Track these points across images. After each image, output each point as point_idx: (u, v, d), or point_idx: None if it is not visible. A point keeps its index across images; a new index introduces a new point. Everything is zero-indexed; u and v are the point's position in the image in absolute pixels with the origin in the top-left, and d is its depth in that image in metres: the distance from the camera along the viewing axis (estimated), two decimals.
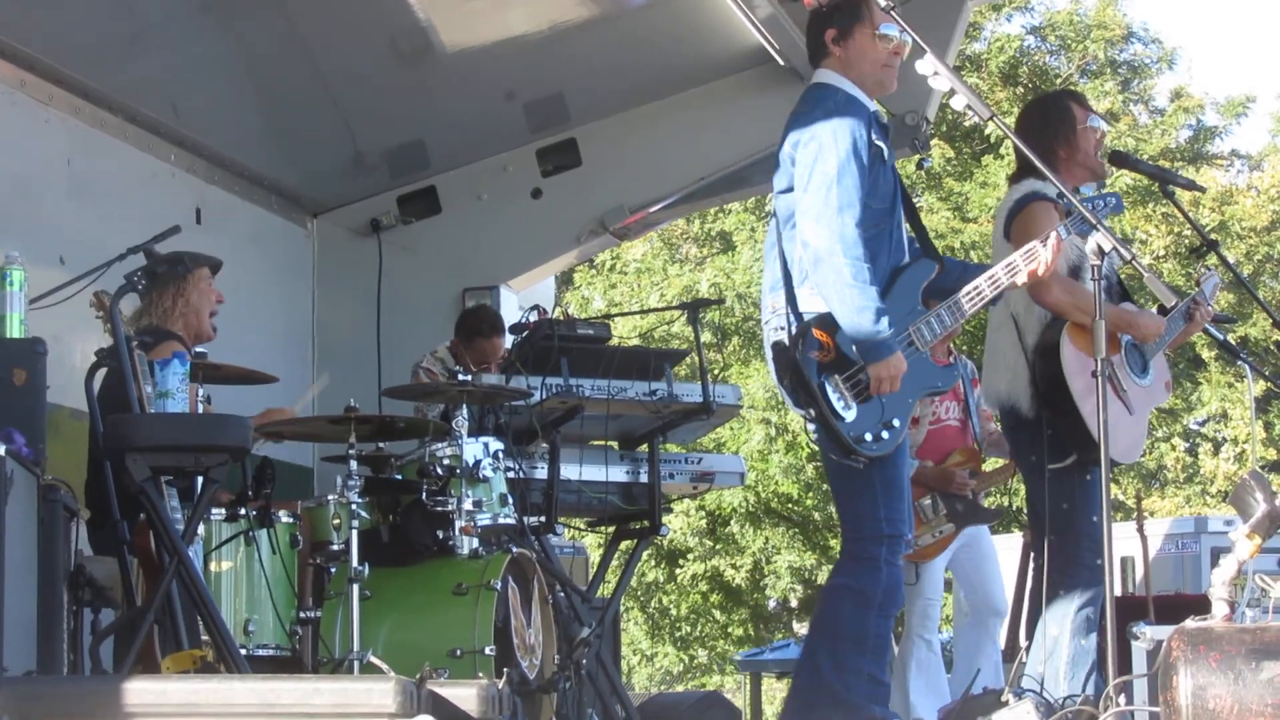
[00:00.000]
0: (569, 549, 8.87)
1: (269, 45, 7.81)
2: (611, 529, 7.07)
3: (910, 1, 5.30)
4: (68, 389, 5.70)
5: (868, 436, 5.11)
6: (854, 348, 5.09)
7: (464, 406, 5.95)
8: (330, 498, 5.72)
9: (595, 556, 9.56)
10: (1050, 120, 5.95)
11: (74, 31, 6.96)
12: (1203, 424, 21.72)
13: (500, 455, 6.02)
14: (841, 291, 5.07)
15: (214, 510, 5.39)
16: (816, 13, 5.36)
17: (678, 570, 21.02)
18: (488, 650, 5.47)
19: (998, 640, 7.78)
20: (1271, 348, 18.23)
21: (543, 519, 6.44)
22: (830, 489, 5.55)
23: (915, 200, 6.43)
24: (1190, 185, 7.01)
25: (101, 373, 5.38)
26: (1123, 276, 6.18)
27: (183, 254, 5.84)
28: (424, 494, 5.80)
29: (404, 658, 5.17)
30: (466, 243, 9.02)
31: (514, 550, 5.77)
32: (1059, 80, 21.02)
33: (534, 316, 6.91)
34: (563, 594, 6.36)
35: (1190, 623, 4.19)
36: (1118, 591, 7.51)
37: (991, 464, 8.19)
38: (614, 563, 7.47)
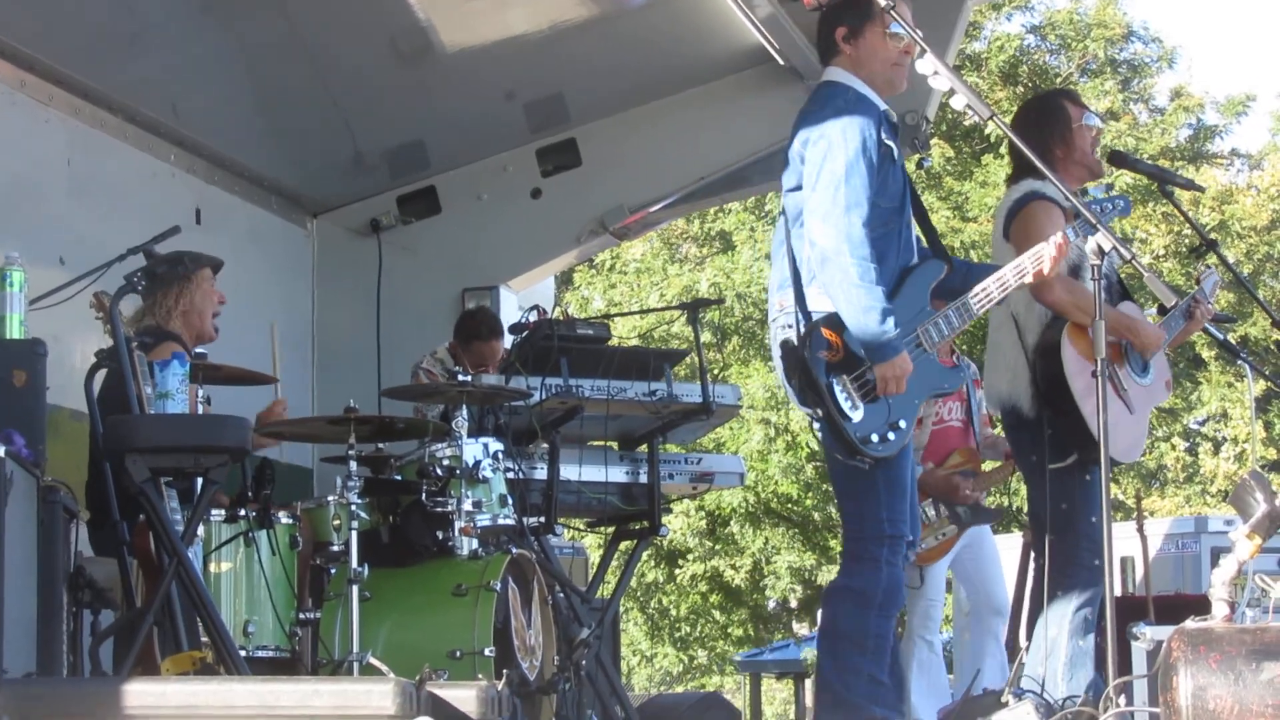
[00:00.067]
0: (568, 549, 8.86)
1: (269, 45, 7.81)
2: (611, 529, 7.06)
3: (911, 1, 5.29)
4: (67, 390, 5.69)
5: (874, 437, 5.10)
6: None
7: (463, 407, 5.95)
8: (330, 498, 5.71)
9: (595, 557, 9.55)
10: (1045, 120, 5.95)
11: (74, 32, 6.96)
12: (1203, 423, 21.73)
13: (500, 456, 6.01)
14: (848, 291, 5.07)
15: (213, 511, 5.39)
16: (828, 10, 5.34)
17: (677, 571, 21.03)
18: (487, 651, 5.46)
19: (1001, 640, 7.79)
20: (1271, 347, 18.23)
21: (542, 519, 6.43)
22: (834, 488, 5.55)
23: None
24: (1189, 185, 7.01)
25: (101, 374, 5.39)
26: (1123, 276, 6.18)
27: (183, 254, 5.84)
28: (423, 495, 5.79)
29: (403, 659, 5.17)
30: (466, 243, 9.02)
31: (513, 551, 5.76)
32: (1059, 79, 21.03)
33: (534, 317, 6.90)
34: (562, 595, 6.36)
35: (1190, 623, 4.19)
36: (1118, 592, 7.52)
37: (988, 465, 8.19)
38: (613, 563, 7.47)
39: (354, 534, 5.58)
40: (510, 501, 5.96)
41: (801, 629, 20.77)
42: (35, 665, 4.51)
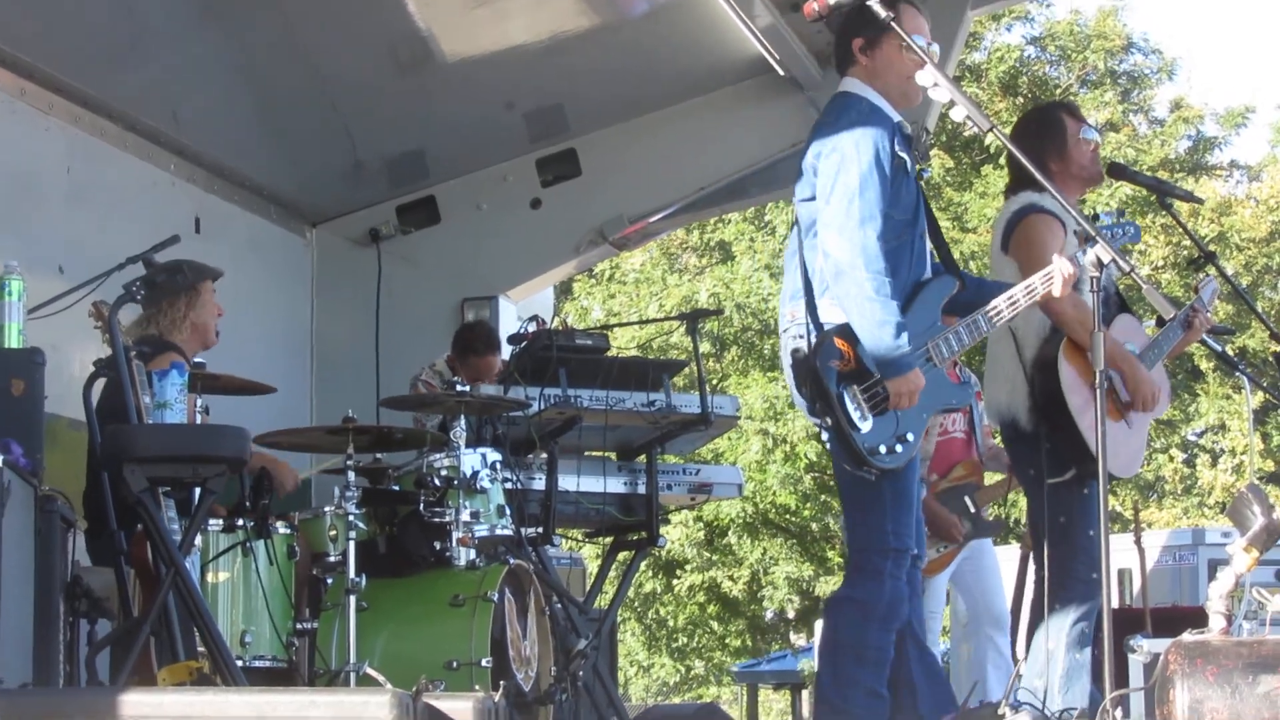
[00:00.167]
0: (566, 560, 8.87)
1: (269, 54, 7.81)
2: (609, 540, 7.07)
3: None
4: (66, 399, 5.69)
5: (882, 449, 5.10)
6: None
7: (462, 417, 5.95)
8: (327, 509, 5.71)
9: (593, 567, 9.55)
10: (1043, 133, 5.93)
11: (74, 40, 6.96)
12: (1201, 435, 21.72)
13: (498, 466, 6.01)
14: (862, 306, 5.06)
15: (211, 521, 5.38)
16: (846, 21, 5.33)
17: (675, 581, 21.02)
18: (484, 662, 5.47)
19: (1004, 651, 7.78)
20: (1270, 359, 18.21)
21: (540, 530, 6.43)
22: (840, 499, 5.54)
23: None
24: (1188, 197, 7.00)
25: (100, 383, 5.38)
26: (1121, 288, 6.18)
27: (183, 263, 5.83)
28: (421, 505, 5.79)
29: (400, 669, 5.16)
30: (466, 252, 9.02)
31: (511, 561, 5.76)
32: (1059, 90, 21.06)
33: (533, 327, 6.90)
34: (559, 605, 6.36)
35: (1187, 636, 4.18)
36: (1115, 604, 7.50)
37: (989, 477, 8.20)
38: (611, 574, 7.47)
39: (351, 544, 5.58)
40: (508, 512, 5.96)
41: (799, 640, 20.77)
42: (32, 675, 4.51)
